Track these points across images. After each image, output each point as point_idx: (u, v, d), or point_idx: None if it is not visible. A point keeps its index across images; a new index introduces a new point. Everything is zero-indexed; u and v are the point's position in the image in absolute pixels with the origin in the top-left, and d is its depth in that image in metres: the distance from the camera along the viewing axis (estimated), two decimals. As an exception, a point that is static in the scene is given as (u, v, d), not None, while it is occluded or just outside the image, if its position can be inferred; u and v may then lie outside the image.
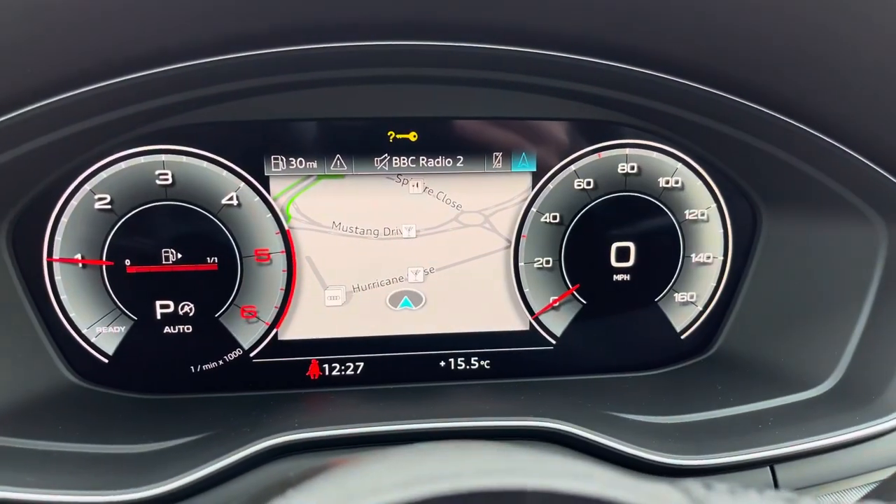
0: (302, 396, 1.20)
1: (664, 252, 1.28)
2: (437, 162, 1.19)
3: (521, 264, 1.24)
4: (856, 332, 1.13)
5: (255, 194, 1.16)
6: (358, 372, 1.24)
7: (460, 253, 1.23)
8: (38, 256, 1.12)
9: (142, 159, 1.13)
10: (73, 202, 1.12)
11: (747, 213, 1.27)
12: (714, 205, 1.27)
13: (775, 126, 1.05)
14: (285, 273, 1.19)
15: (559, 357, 1.28)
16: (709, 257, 1.29)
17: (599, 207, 1.24)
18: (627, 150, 1.23)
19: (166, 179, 1.14)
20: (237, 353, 1.21)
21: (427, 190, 1.20)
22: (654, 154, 1.24)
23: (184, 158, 1.13)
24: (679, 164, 1.25)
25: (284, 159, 1.15)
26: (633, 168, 1.24)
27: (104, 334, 1.17)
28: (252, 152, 1.15)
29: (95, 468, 0.95)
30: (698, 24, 0.88)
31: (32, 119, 0.92)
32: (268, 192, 1.16)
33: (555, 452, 0.97)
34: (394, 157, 1.18)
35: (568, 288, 1.27)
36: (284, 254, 1.18)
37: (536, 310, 1.26)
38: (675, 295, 1.29)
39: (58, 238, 1.12)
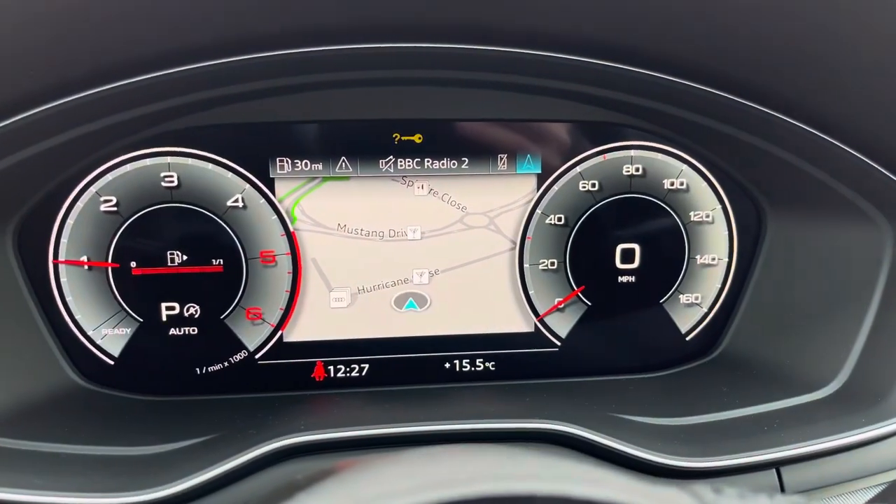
0: (307, 398, 1.20)
1: (669, 254, 1.28)
2: (442, 164, 1.19)
3: (526, 266, 1.24)
4: (861, 334, 1.13)
5: (260, 196, 1.16)
6: (363, 374, 1.24)
7: (465, 255, 1.23)
8: (44, 258, 1.13)
9: (147, 161, 1.13)
10: (79, 204, 1.12)
11: (752, 214, 1.27)
12: (719, 206, 1.27)
13: (780, 127, 1.05)
14: (290, 275, 1.19)
15: (564, 359, 1.28)
16: (714, 259, 1.29)
17: (604, 209, 1.24)
18: (632, 152, 1.23)
19: (172, 181, 1.14)
20: (242, 354, 1.21)
21: (432, 192, 1.20)
22: (659, 156, 1.24)
23: (189, 160, 1.14)
24: (684, 166, 1.25)
25: (290, 161, 1.16)
26: (637, 170, 1.24)
27: (110, 336, 1.17)
28: (257, 154, 1.15)
29: (101, 470, 0.95)
30: (701, 25, 0.88)
31: (38, 122, 0.92)
32: (273, 194, 1.16)
33: (563, 456, 0.97)
34: (399, 159, 1.18)
35: (573, 289, 1.27)
36: (290, 256, 1.18)
37: (541, 311, 1.26)
38: (680, 296, 1.29)
39: (64, 240, 1.13)
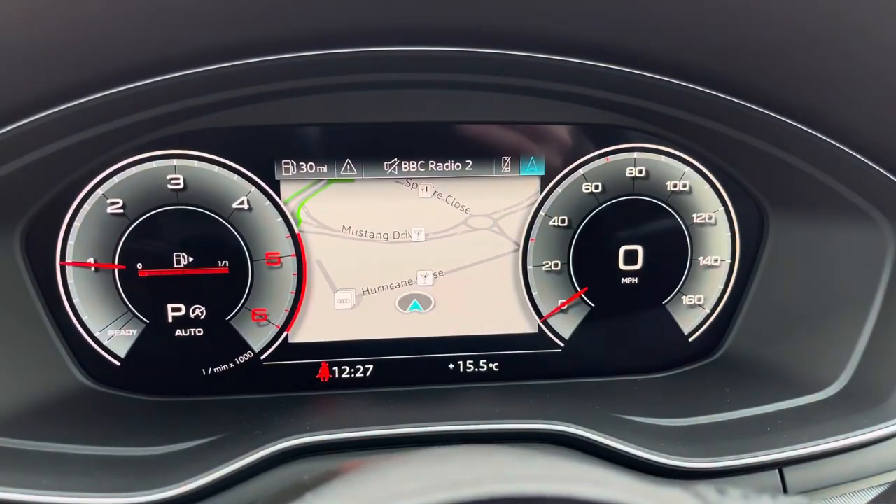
0: (312, 399, 1.21)
1: (672, 255, 1.28)
2: (447, 166, 1.19)
3: (529, 267, 1.25)
4: (864, 334, 1.13)
5: (265, 198, 1.17)
6: (367, 374, 1.25)
7: (469, 256, 1.23)
8: (51, 260, 1.13)
9: (154, 164, 1.13)
10: (86, 206, 1.13)
11: (755, 216, 1.27)
12: (721, 208, 1.27)
13: (782, 129, 1.05)
14: (296, 276, 1.20)
15: (567, 360, 1.29)
16: (716, 260, 1.29)
17: (607, 211, 1.25)
18: (635, 154, 1.24)
19: (178, 184, 1.14)
20: (248, 355, 1.22)
21: (436, 194, 1.20)
22: (662, 158, 1.24)
23: (195, 163, 1.14)
24: (687, 168, 1.25)
25: (295, 164, 1.16)
26: (640, 172, 1.24)
27: (116, 337, 1.18)
28: (263, 157, 1.16)
29: (108, 471, 0.96)
30: (704, 28, 0.89)
31: (45, 125, 0.93)
32: (278, 196, 1.17)
33: (567, 457, 0.98)
34: (403, 162, 1.18)
35: (576, 291, 1.27)
36: (295, 257, 1.19)
37: (545, 313, 1.27)
38: (683, 298, 1.30)
39: (71, 242, 1.13)
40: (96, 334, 1.17)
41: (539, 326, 1.27)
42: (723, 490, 0.46)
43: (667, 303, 1.30)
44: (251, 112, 1.13)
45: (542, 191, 1.23)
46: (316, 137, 1.17)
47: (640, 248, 1.26)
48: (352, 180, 1.18)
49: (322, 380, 1.24)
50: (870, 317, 1.13)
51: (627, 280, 1.27)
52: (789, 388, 1.15)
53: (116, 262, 1.15)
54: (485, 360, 1.27)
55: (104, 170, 1.12)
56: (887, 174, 1.04)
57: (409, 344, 1.25)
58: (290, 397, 1.21)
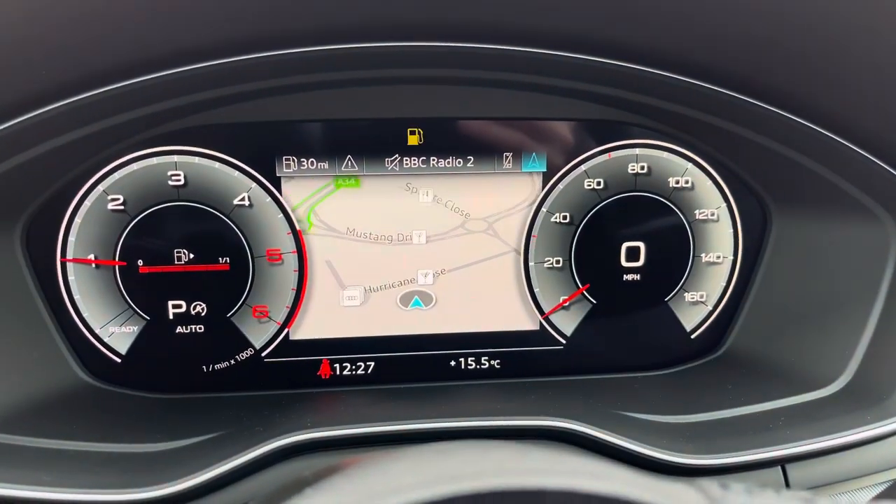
0: (313, 396, 1.20)
1: (674, 252, 1.28)
2: (448, 162, 1.19)
3: (531, 264, 1.25)
4: (867, 331, 1.13)
5: (266, 195, 1.16)
6: (369, 371, 1.25)
7: (470, 257, 1.23)
8: (51, 257, 1.13)
9: (154, 160, 1.13)
10: (87, 203, 1.13)
11: (757, 212, 1.27)
12: (724, 204, 1.27)
13: (785, 125, 1.05)
14: (297, 273, 1.19)
15: (569, 356, 1.29)
16: (719, 257, 1.29)
17: (609, 207, 1.24)
18: (637, 151, 1.23)
19: (179, 180, 1.14)
20: (249, 352, 1.22)
21: (436, 199, 1.20)
22: (664, 154, 1.24)
23: (196, 159, 1.14)
24: (689, 164, 1.25)
25: (296, 160, 1.16)
26: (643, 168, 1.24)
27: (117, 334, 1.18)
28: (264, 153, 1.15)
29: (109, 467, 0.96)
30: (706, 23, 0.88)
31: (45, 121, 0.92)
32: (279, 192, 1.17)
33: (569, 452, 0.98)
34: (405, 158, 1.18)
35: (578, 288, 1.27)
36: (296, 254, 1.19)
37: (546, 309, 1.27)
38: (685, 294, 1.29)
39: (71, 238, 1.13)
40: (97, 331, 1.17)
41: (540, 323, 1.27)
42: (726, 485, 0.46)
43: (669, 300, 1.29)
44: (252, 108, 1.12)
45: (543, 187, 1.22)
46: (317, 134, 1.16)
47: (642, 245, 1.26)
48: (357, 185, 1.18)
49: (323, 377, 1.24)
50: (873, 313, 1.13)
51: (629, 277, 1.27)
52: (792, 384, 1.14)
53: (117, 258, 1.15)
54: (486, 358, 1.27)
55: (105, 166, 1.12)
56: (891, 170, 1.04)
57: (410, 341, 1.25)
58: (291, 394, 1.21)
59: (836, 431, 1.00)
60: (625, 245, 1.26)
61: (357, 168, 1.17)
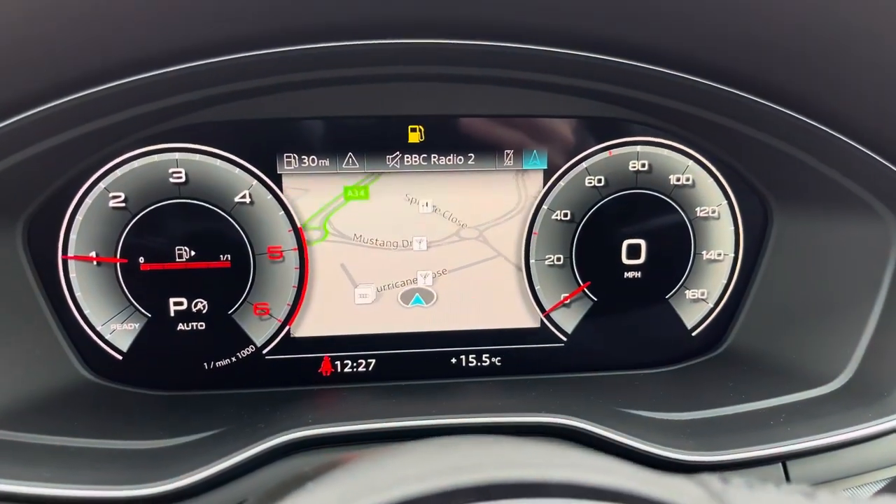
0: (314, 393, 1.20)
1: (675, 249, 1.28)
2: (448, 160, 1.19)
3: (532, 261, 1.25)
4: (868, 328, 1.13)
5: (267, 192, 1.16)
6: (370, 369, 1.25)
7: (468, 259, 1.24)
8: (53, 254, 1.13)
9: (155, 158, 1.13)
10: (88, 200, 1.13)
11: (758, 209, 1.27)
12: (725, 202, 1.27)
13: (786, 122, 1.05)
14: (297, 270, 1.20)
15: (570, 354, 1.29)
16: (720, 254, 1.29)
17: (610, 205, 1.24)
18: (638, 148, 1.23)
19: (180, 177, 1.14)
20: (250, 350, 1.22)
21: (435, 209, 1.21)
22: (665, 151, 1.24)
23: (197, 157, 1.14)
24: (690, 162, 1.25)
25: (297, 157, 1.16)
26: (644, 165, 1.24)
27: (118, 331, 1.18)
28: (265, 151, 1.15)
29: (110, 464, 0.96)
30: (708, 21, 0.88)
31: (47, 118, 0.92)
32: (280, 190, 1.17)
33: (570, 447, 0.98)
34: (405, 155, 1.18)
35: (579, 285, 1.27)
36: (297, 251, 1.19)
37: (547, 307, 1.27)
38: (686, 292, 1.29)
39: (73, 236, 1.13)
40: (98, 328, 1.17)
41: (541, 321, 1.27)
42: (726, 479, 0.46)
43: (670, 297, 1.29)
44: (253, 105, 1.12)
45: (544, 185, 1.22)
46: (318, 131, 1.16)
47: (643, 243, 1.26)
48: (367, 198, 1.19)
49: (324, 374, 1.24)
50: (874, 310, 1.13)
51: (630, 274, 1.27)
52: (793, 382, 1.14)
53: (118, 255, 1.15)
54: (487, 355, 1.27)
55: (106, 163, 1.12)
56: (892, 167, 1.04)
57: (411, 338, 1.25)
58: (292, 391, 1.21)
59: (836, 428, 1.00)
60: (626, 242, 1.26)
61: (358, 165, 1.17)
